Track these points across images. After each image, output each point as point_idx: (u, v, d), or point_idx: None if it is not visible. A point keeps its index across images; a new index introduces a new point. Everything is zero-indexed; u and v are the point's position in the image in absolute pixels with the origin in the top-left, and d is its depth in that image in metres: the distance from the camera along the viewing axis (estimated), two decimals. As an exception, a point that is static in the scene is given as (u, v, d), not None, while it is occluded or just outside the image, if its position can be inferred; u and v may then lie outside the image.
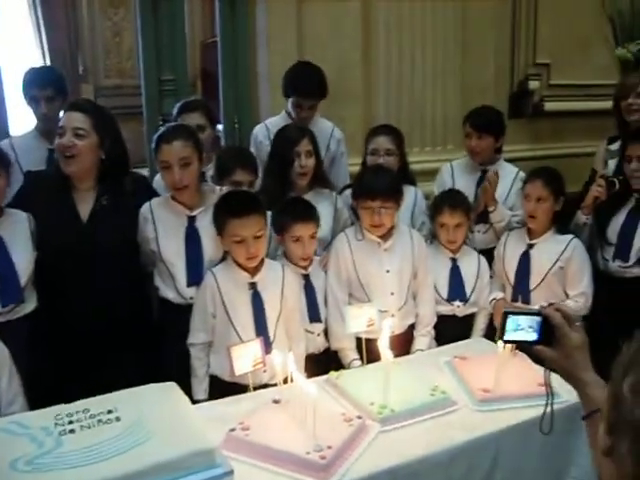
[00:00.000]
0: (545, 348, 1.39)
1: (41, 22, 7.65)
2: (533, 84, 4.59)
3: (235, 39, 3.72)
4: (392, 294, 2.73)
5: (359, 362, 2.58)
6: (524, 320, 1.41)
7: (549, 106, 4.65)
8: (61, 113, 2.66)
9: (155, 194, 2.75)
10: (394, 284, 2.73)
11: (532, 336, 1.40)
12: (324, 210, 2.88)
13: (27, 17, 7.63)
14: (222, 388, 2.39)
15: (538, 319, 1.39)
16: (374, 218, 2.67)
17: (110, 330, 2.51)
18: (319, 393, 1.92)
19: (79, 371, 2.46)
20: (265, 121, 3.43)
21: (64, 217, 2.57)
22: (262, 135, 3.37)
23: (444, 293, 2.90)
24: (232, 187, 2.75)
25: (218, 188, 2.71)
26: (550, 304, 1.43)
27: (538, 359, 1.44)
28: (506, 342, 1.44)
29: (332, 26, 3.72)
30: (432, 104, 4.00)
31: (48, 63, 7.54)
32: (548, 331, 1.38)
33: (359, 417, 1.98)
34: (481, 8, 4.21)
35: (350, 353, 2.68)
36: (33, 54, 7.64)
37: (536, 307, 1.46)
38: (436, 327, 2.84)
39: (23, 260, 2.48)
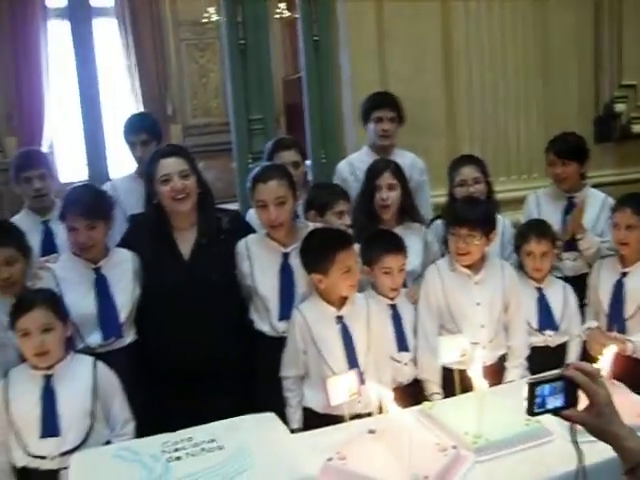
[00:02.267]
0: (573, 412, 1.35)
1: (134, 69, 8.11)
2: (619, 107, 4.51)
3: (319, 77, 3.85)
4: (482, 327, 2.71)
5: (440, 397, 2.60)
6: (550, 387, 1.37)
7: (637, 128, 4.55)
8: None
9: (251, 230, 2.84)
10: (484, 317, 2.72)
11: (559, 401, 1.36)
12: (414, 244, 2.92)
13: (122, 66, 8.10)
14: (316, 420, 2.44)
15: (561, 383, 1.36)
16: (459, 246, 2.70)
17: (208, 364, 2.60)
18: (413, 423, 1.95)
19: (177, 402, 2.56)
20: (348, 157, 3.50)
21: (167, 256, 2.69)
22: (346, 171, 3.43)
23: (534, 323, 2.88)
24: (334, 219, 2.86)
25: (311, 225, 2.79)
26: (567, 365, 1.40)
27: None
28: (535, 415, 1.40)
29: (413, 61, 3.80)
30: (516, 133, 4.01)
31: (141, 106, 7.94)
32: (572, 392, 1.35)
33: (454, 447, 1.98)
34: (562, 34, 4.20)
35: (432, 386, 2.69)
36: (127, 99, 8.09)
37: (556, 371, 1.40)
38: (529, 359, 2.81)
39: (124, 297, 2.63)
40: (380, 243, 2.71)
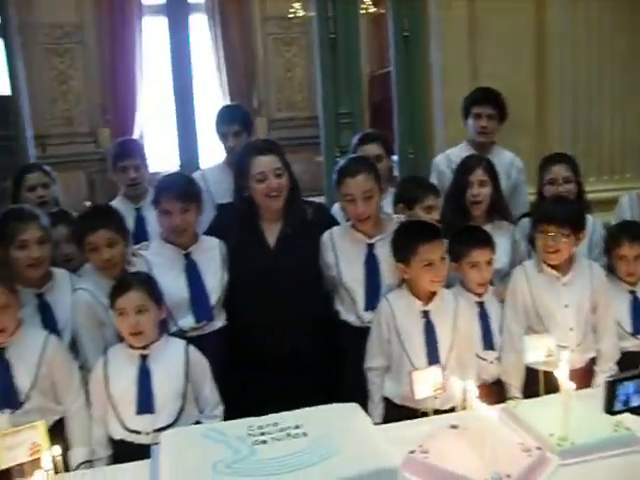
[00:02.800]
0: None
1: (222, 63, 8.31)
2: None
3: (409, 73, 3.86)
4: (571, 329, 2.65)
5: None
6: (634, 385, 1.33)
7: None
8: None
9: (334, 222, 2.89)
10: (572, 319, 2.66)
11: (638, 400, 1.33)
12: (503, 242, 2.90)
13: (210, 60, 8.31)
14: (393, 411, 2.48)
15: None
16: (548, 243, 2.65)
17: (288, 352, 2.66)
18: (497, 421, 1.94)
19: (255, 388, 2.63)
20: (446, 151, 3.52)
21: (253, 244, 2.77)
22: (443, 165, 3.45)
23: (627, 327, 2.79)
24: (423, 213, 2.86)
25: (395, 216, 2.81)
26: None
27: None
28: (615, 413, 1.35)
29: (506, 58, 3.75)
30: (610, 132, 3.91)
31: (227, 99, 8.11)
32: None
33: (538, 448, 1.96)
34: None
35: (513, 390, 2.66)
36: (214, 92, 8.28)
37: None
38: (622, 365, 2.72)
39: (214, 282, 2.72)
40: (467, 237, 2.71)
